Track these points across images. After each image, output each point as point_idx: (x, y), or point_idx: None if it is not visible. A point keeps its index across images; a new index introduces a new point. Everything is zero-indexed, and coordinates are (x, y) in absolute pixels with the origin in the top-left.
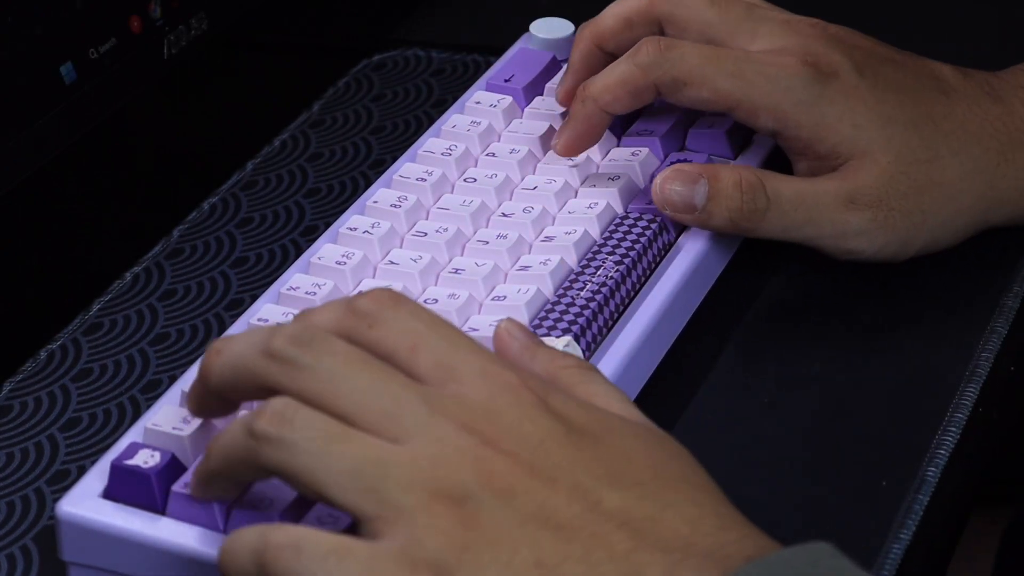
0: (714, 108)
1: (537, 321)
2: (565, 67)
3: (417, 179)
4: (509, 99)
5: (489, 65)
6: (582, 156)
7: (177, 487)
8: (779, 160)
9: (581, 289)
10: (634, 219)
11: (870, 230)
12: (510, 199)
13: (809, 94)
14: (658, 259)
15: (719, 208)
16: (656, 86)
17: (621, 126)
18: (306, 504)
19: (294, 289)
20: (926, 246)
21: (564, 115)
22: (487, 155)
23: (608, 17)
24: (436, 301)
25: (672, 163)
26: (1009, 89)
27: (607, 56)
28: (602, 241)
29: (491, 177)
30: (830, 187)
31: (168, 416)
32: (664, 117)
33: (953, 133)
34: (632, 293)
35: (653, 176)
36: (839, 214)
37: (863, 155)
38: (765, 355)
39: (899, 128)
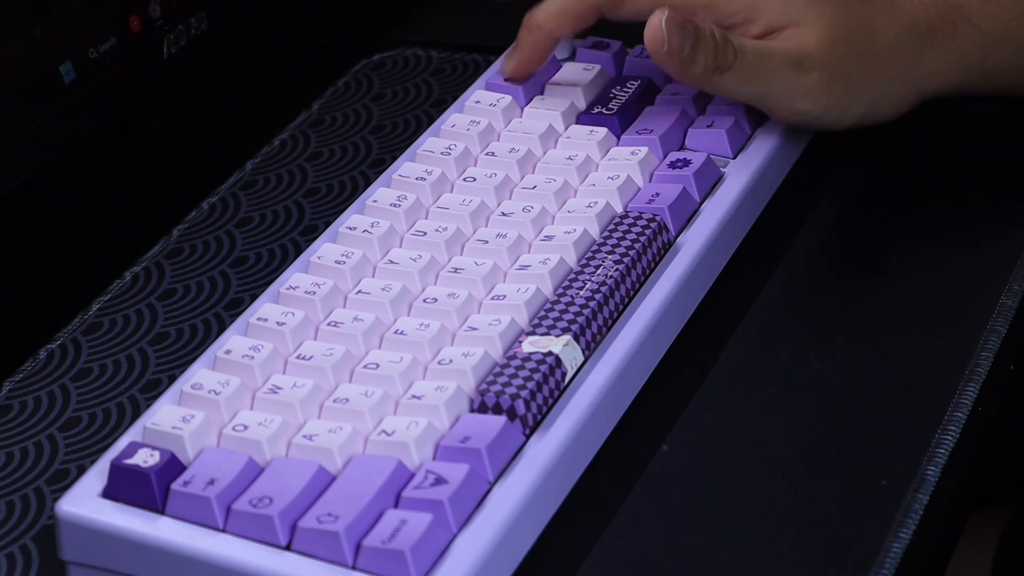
0: (647, 16)
1: (536, 320)
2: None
3: (416, 178)
4: (508, 98)
5: (488, 64)
6: (582, 155)
7: (176, 486)
8: None
9: (580, 288)
10: (633, 218)
11: (815, 90)
12: (509, 198)
13: None
14: (657, 258)
15: (699, 54)
16: (597, 7)
17: (621, 126)
18: (306, 504)
19: (294, 288)
20: (865, 114)
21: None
22: (486, 154)
23: None
24: (435, 300)
25: (672, 163)
26: None
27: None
28: (601, 240)
29: (490, 176)
30: (781, 48)
31: (167, 416)
32: (664, 117)
33: (882, 8)
34: (631, 292)
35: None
36: (789, 73)
37: (799, 24)
38: (765, 354)
39: (828, 3)
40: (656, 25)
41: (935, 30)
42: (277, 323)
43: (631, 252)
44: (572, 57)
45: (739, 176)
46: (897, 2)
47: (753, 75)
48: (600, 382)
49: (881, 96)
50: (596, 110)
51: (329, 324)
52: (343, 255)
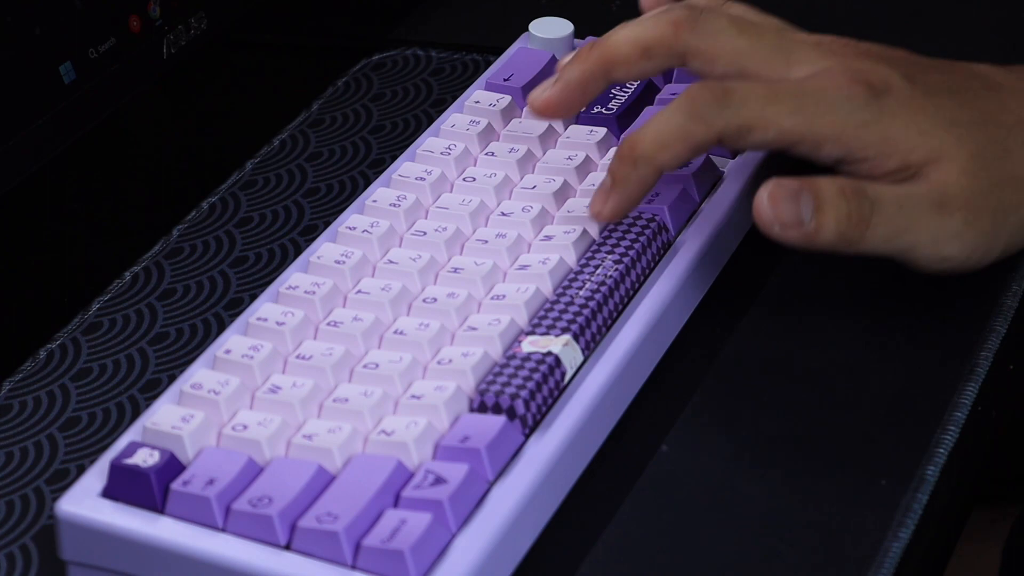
0: (775, 148)
1: (536, 320)
2: (551, 77)
3: (416, 178)
4: (508, 98)
5: (488, 64)
6: (582, 155)
7: (176, 486)
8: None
9: (580, 288)
10: (633, 218)
11: (962, 232)
12: (509, 198)
13: (870, 113)
14: (657, 258)
15: (827, 219)
16: (719, 138)
17: (620, 126)
18: (305, 503)
19: (293, 288)
20: (1007, 247)
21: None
22: (486, 154)
23: (623, 43)
24: (435, 300)
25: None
26: None
27: (608, 83)
28: (601, 240)
29: (490, 176)
30: (921, 191)
31: (167, 415)
32: None
33: (1015, 127)
34: (631, 292)
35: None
36: (934, 218)
37: (938, 159)
38: (764, 354)
39: (965, 128)
40: (762, 203)
41: None
42: (277, 323)
43: (631, 252)
44: None
45: (738, 176)
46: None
47: (897, 227)
48: (600, 382)
49: (1020, 225)
50: (596, 110)
51: (329, 324)
52: (343, 255)
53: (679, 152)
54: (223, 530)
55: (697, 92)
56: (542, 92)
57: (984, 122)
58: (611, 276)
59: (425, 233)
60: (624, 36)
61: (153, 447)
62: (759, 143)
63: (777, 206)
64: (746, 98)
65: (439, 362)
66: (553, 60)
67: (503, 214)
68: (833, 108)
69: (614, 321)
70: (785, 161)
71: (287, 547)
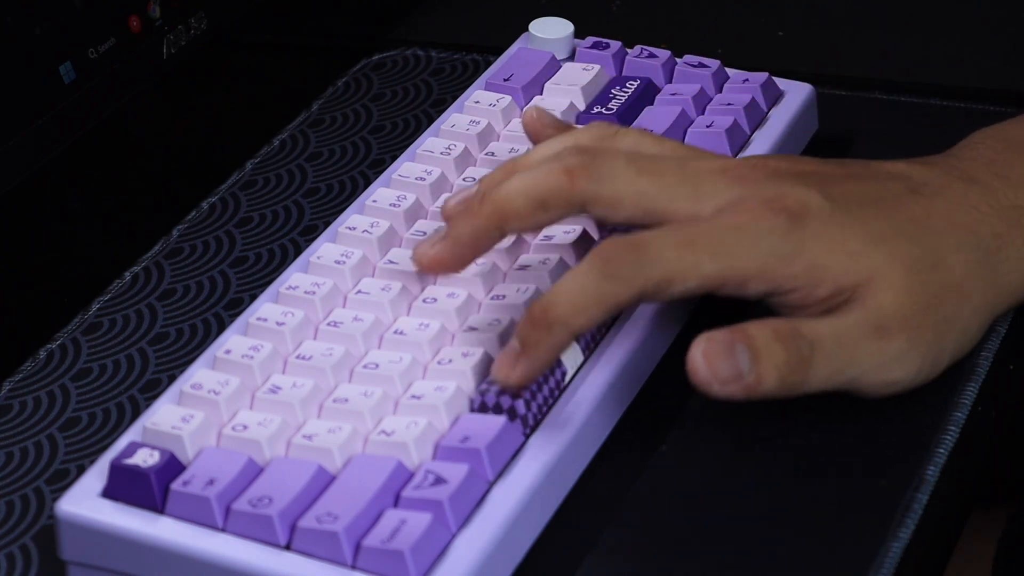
0: (699, 294)
1: None
2: (438, 229)
3: (416, 178)
4: (508, 99)
5: (488, 65)
6: None
7: (176, 486)
8: None
9: None
10: None
11: (906, 353)
12: None
13: (792, 243)
14: None
15: (766, 368)
16: (640, 296)
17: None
18: (305, 503)
19: (293, 288)
20: (954, 356)
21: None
22: (486, 155)
23: (516, 197)
24: (435, 300)
25: None
26: (979, 167)
27: (502, 236)
28: (601, 240)
29: None
30: (857, 319)
31: (167, 415)
32: (664, 117)
33: (944, 231)
34: None
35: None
36: (875, 344)
37: (870, 280)
38: None
39: (893, 241)
40: (696, 362)
41: (1004, 243)
42: (277, 323)
43: None
44: (572, 57)
45: None
46: (956, 220)
47: (838, 364)
48: (600, 382)
49: (964, 334)
50: (596, 110)
51: (329, 324)
52: (343, 255)
53: (596, 316)
54: (223, 530)
55: (610, 251)
56: (431, 247)
57: (912, 231)
58: None
59: (425, 233)
60: (517, 189)
61: (153, 447)
62: (682, 293)
63: (713, 364)
64: (661, 250)
65: (439, 362)
66: (553, 60)
67: None
68: (753, 244)
69: (614, 321)
70: None
71: (287, 547)
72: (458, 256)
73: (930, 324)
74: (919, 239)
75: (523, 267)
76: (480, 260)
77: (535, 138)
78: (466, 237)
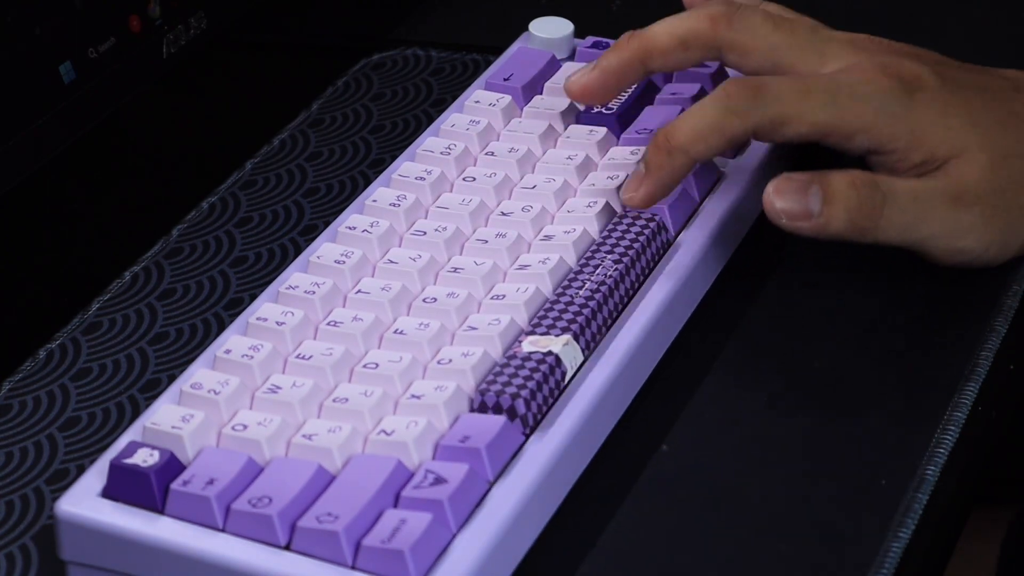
0: (807, 140)
1: (536, 320)
2: (589, 63)
3: (416, 178)
4: (508, 98)
5: (488, 64)
6: (582, 155)
7: (176, 486)
8: (781, 161)
9: (580, 288)
10: (632, 218)
11: (978, 226)
12: (509, 198)
13: (901, 106)
14: (657, 257)
15: (837, 210)
16: (754, 131)
17: (620, 126)
18: (305, 503)
19: (293, 288)
20: (1023, 245)
21: (634, 157)
22: (486, 154)
23: (661, 35)
24: (435, 300)
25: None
26: None
27: (645, 72)
28: (601, 240)
29: (490, 176)
30: (938, 185)
31: (167, 415)
32: (664, 117)
33: None
34: (631, 292)
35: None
36: (950, 212)
37: (961, 155)
38: (764, 354)
39: (990, 127)
40: (768, 195)
41: None
42: (277, 323)
43: (630, 251)
44: (572, 57)
45: (738, 176)
46: None
47: (910, 219)
48: (600, 382)
49: None
50: (596, 110)
51: (328, 324)
52: (343, 255)
53: (714, 144)
54: (223, 530)
55: (732, 87)
56: (580, 77)
57: (1008, 122)
58: (611, 276)
59: (425, 233)
60: (663, 28)
61: (153, 447)
62: (792, 136)
63: (783, 198)
64: (780, 93)
65: (439, 362)
66: (553, 59)
67: (503, 214)
68: (864, 100)
69: (614, 321)
70: (786, 161)
71: (287, 547)
72: (603, 85)
73: (1006, 206)
74: (1013, 130)
75: (523, 267)
76: (480, 260)
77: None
78: (613, 68)
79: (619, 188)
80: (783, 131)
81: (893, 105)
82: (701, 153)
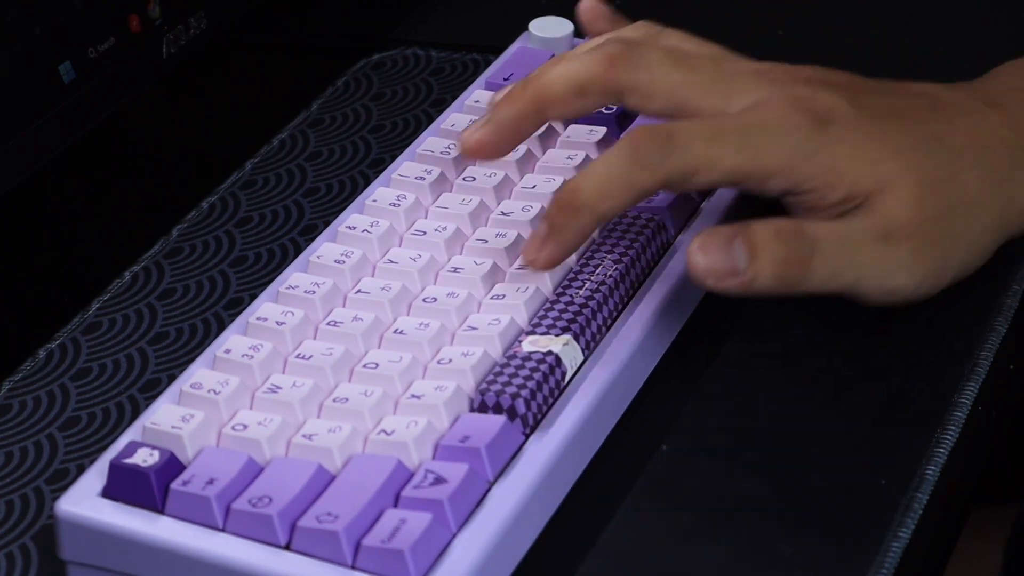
0: (722, 186)
1: (536, 320)
2: (481, 116)
3: (416, 178)
4: None
5: (488, 64)
6: (582, 155)
7: (176, 485)
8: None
9: (580, 288)
10: (632, 218)
11: (908, 262)
12: (509, 198)
13: (815, 142)
14: (656, 257)
15: (763, 263)
16: (665, 183)
17: (620, 126)
18: (305, 503)
19: (293, 288)
20: (958, 273)
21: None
22: None
23: (556, 82)
24: (435, 300)
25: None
26: (1002, 92)
27: (543, 122)
28: (601, 240)
29: (490, 176)
30: (864, 225)
31: (167, 415)
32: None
33: (963, 148)
34: (631, 292)
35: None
36: (879, 251)
37: (884, 188)
38: (764, 353)
39: (910, 154)
40: (693, 254)
41: (1019, 166)
42: (277, 323)
43: (630, 251)
44: None
45: None
46: (975, 139)
47: (839, 265)
48: (600, 382)
49: (971, 249)
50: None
51: (328, 323)
52: (343, 254)
53: (623, 201)
54: (223, 530)
55: (639, 138)
56: (474, 132)
57: (931, 146)
58: (611, 276)
59: (425, 233)
60: (557, 75)
61: (153, 447)
62: (705, 184)
63: (709, 255)
64: (689, 140)
65: (439, 362)
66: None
67: (503, 214)
68: (777, 141)
69: (614, 321)
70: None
71: (287, 547)
72: (499, 140)
73: (937, 236)
74: (936, 153)
75: (523, 267)
76: (480, 260)
77: (588, 29)
78: (507, 121)
79: None
80: (695, 181)
81: (807, 143)
82: (608, 211)
